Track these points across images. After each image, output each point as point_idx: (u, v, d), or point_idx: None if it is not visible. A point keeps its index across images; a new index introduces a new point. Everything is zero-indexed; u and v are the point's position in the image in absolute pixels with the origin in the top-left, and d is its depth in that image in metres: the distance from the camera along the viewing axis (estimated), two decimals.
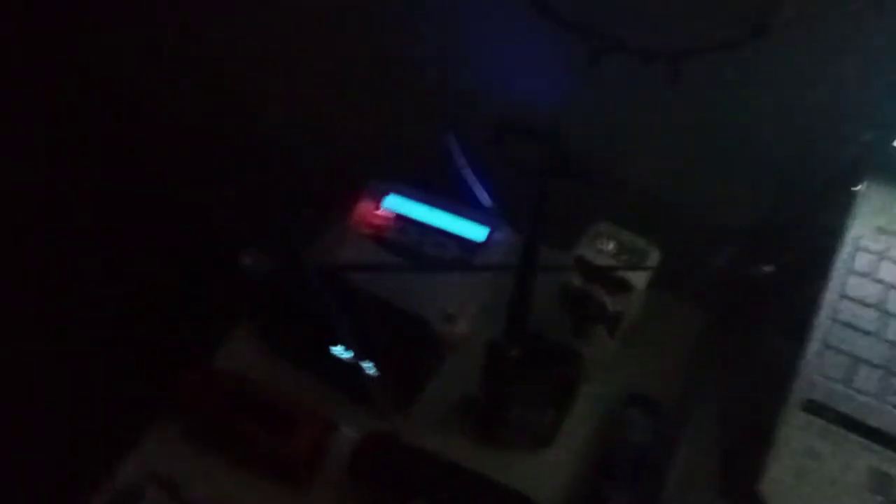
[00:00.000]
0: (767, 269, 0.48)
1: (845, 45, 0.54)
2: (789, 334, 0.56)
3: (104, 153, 0.97)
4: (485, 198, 0.74)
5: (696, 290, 0.69)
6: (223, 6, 0.81)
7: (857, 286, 0.53)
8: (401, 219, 0.75)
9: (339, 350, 0.63)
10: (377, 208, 0.76)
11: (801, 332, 0.53)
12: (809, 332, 0.51)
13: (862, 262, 0.54)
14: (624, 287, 0.61)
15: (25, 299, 0.96)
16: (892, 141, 0.54)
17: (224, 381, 0.64)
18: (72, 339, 1.00)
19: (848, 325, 0.52)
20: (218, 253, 0.71)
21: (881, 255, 0.54)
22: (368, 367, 0.61)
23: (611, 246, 0.62)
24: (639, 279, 0.61)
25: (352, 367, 0.61)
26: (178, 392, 0.63)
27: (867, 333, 0.51)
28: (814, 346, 0.51)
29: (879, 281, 0.53)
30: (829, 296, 0.53)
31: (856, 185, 0.57)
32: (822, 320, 0.52)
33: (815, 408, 0.49)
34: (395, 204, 0.76)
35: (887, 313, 0.52)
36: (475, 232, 0.74)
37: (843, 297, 0.53)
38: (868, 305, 0.52)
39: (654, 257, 0.61)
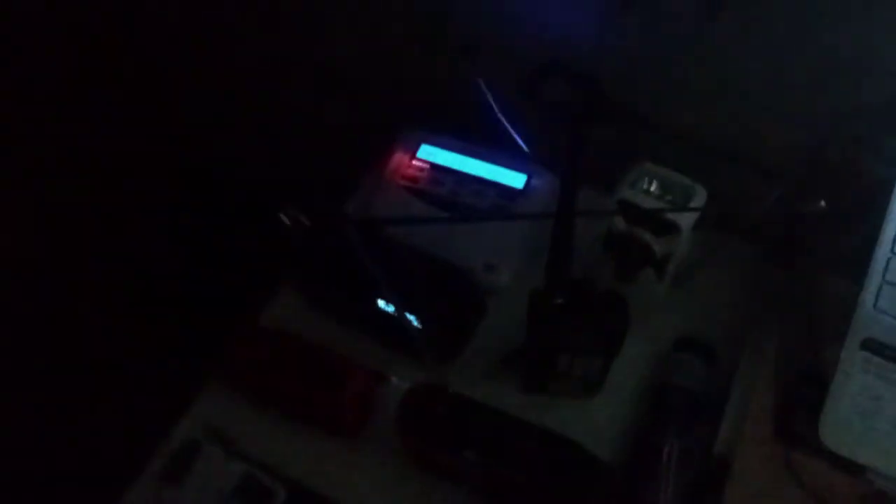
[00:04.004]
0: (821, 205, 0.46)
1: None
2: (844, 271, 0.54)
3: (131, 115, 0.97)
4: (522, 143, 0.72)
5: (747, 229, 0.67)
6: None
7: None
8: (436, 168, 0.74)
9: (381, 304, 0.63)
10: (412, 159, 0.75)
11: (858, 269, 0.50)
12: (868, 267, 0.49)
13: None
14: (670, 228, 0.59)
15: (85, 270, 0.98)
16: None
17: (271, 338, 0.64)
18: (125, 304, 1.03)
19: None
20: (257, 213, 0.71)
21: None
22: (412, 320, 0.61)
23: (654, 186, 0.60)
24: (685, 219, 0.59)
25: (395, 321, 0.62)
26: (228, 352, 0.64)
27: None
28: (873, 282, 0.49)
29: None
30: (889, 230, 0.50)
31: None
32: (882, 255, 0.49)
33: (874, 346, 0.47)
34: (430, 154, 0.75)
35: None
36: (513, 179, 0.73)
37: None
38: None
39: (700, 196, 0.59)
